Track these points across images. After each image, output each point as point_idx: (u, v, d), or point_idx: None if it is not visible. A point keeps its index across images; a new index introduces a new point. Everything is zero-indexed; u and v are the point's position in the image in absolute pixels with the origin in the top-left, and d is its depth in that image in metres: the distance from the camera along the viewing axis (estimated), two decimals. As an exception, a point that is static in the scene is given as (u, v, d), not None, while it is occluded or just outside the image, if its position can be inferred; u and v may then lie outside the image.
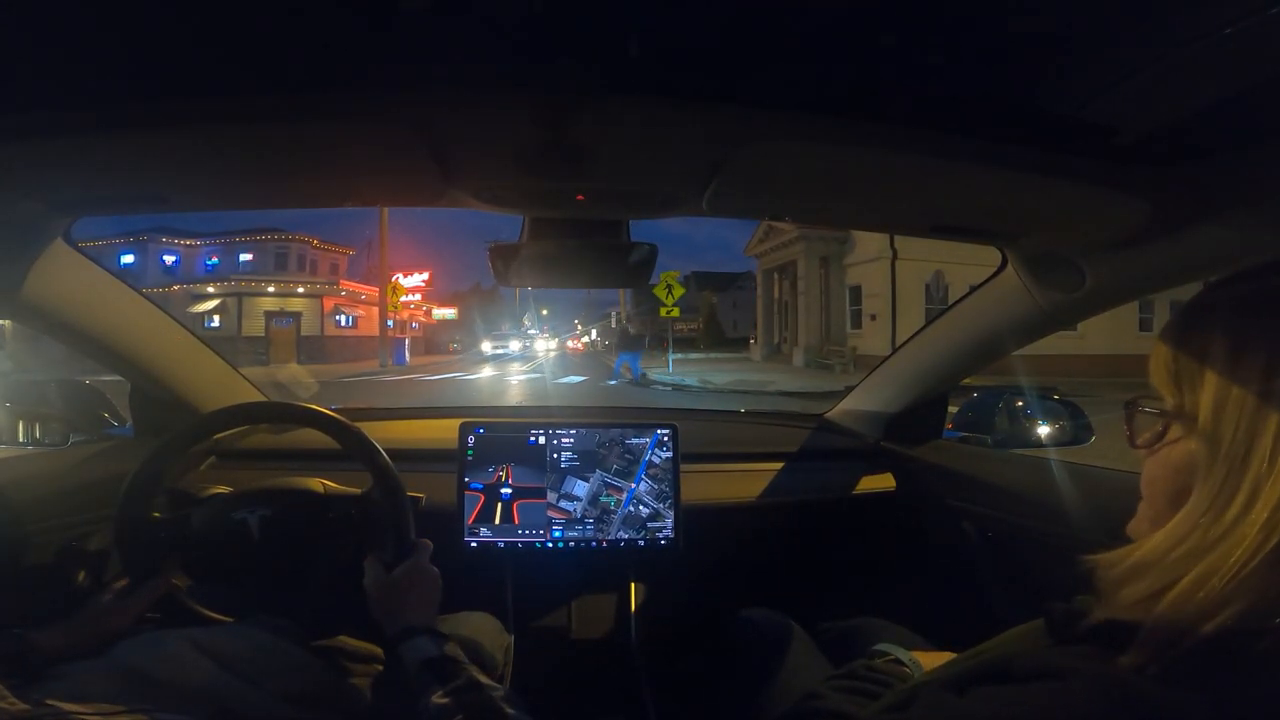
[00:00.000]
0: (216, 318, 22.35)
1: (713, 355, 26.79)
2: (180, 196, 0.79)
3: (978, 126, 0.60)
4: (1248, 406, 0.37)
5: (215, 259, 25.01)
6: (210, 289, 22.98)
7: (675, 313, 13.23)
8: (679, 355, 24.29)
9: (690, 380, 12.80)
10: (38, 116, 0.56)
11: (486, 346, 26.88)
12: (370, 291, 24.67)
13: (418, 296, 28.20)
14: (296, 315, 23.57)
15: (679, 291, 12.84)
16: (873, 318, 15.47)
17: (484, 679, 0.66)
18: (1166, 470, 0.43)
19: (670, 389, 12.14)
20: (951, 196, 0.73)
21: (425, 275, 28.05)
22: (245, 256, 24.90)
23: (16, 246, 0.82)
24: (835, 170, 0.68)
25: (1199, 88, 0.51)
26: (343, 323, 25.34)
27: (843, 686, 0.73)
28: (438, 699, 0.62)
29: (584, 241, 0.90)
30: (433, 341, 34.45)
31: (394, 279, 20.85)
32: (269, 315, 23.17)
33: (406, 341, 21.30)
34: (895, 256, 14.62)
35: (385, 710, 0.77)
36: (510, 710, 0.61)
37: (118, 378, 1.16)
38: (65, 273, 0.91)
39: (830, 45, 0.51)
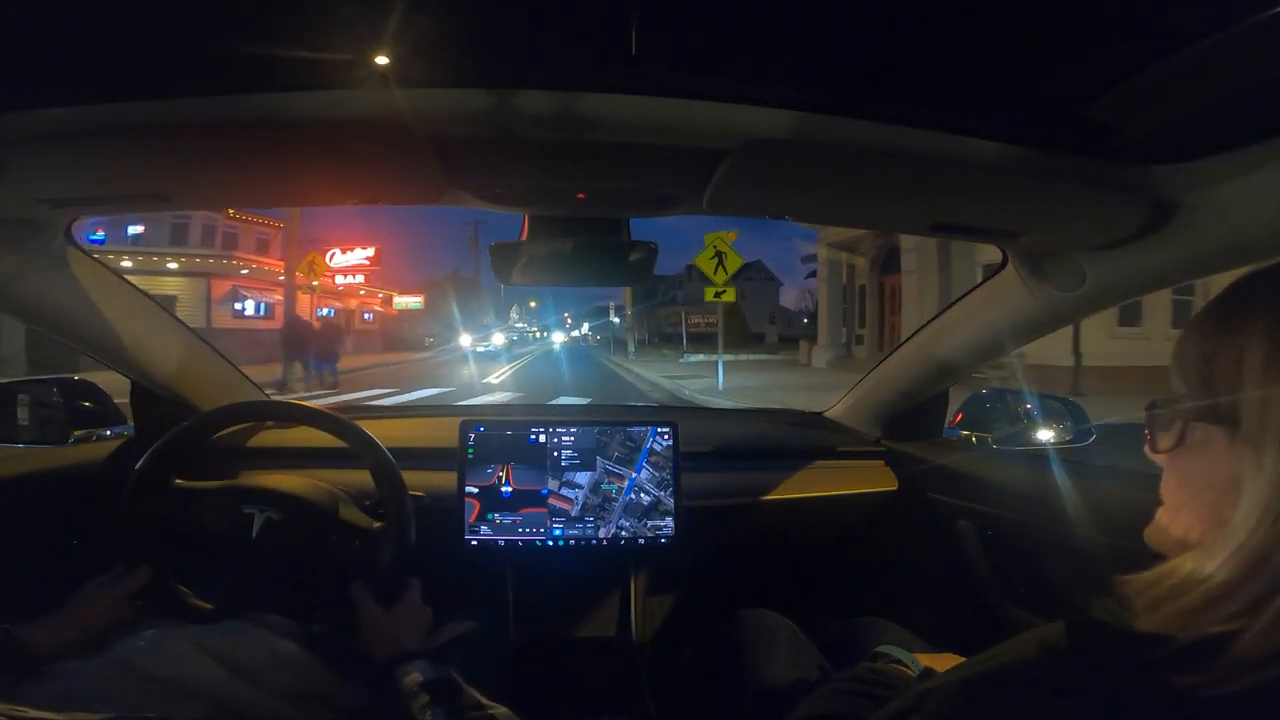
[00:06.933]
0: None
1: (743, 356, 20.57)
2: (180, 195, 0.79)
3: (978, 126, 0.60)
4: None
5: (101, 232, 17.23)
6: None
7: (730, 295, 8.31)
8: (699, 357, 18.52)
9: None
10: (38, 116, 0.56)
11: (466, 341, 21.94)
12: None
13: (359, 278, 21.06)
14: (168, 301, 14.66)
15: (736, 263, 8.05)
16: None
17: (484, 700, 0.66)
18: (1202, 476, 0.40)
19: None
20: (952, 196, 0.73)
21: (369, 251, 20.47)
22: (135, 229, 17.62)
23: (16, 245, 0.82)
24: (835, 169, 0.68)
25: (1199, 88, 0.51)
26: (246, 311, 18.20)
27: (846, 690, 0.73)
28: None
29: (584, 240, 0.91)
30: (393, 336, 26.81)
31: (314, 255, 14.66)
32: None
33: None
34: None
35: (385, 710, 0.77)
36: None
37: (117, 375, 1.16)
38: (66, 271, 0.91)
39: (829, 45, 0.51)
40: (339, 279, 20.16)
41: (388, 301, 26.80)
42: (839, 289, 15.70)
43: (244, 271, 18.33)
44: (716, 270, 7.95)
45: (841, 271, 15.46)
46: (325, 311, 20.97)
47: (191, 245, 17.80)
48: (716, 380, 9.87)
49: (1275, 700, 0.32)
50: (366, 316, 26.57)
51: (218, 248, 18.43)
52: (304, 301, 15.72)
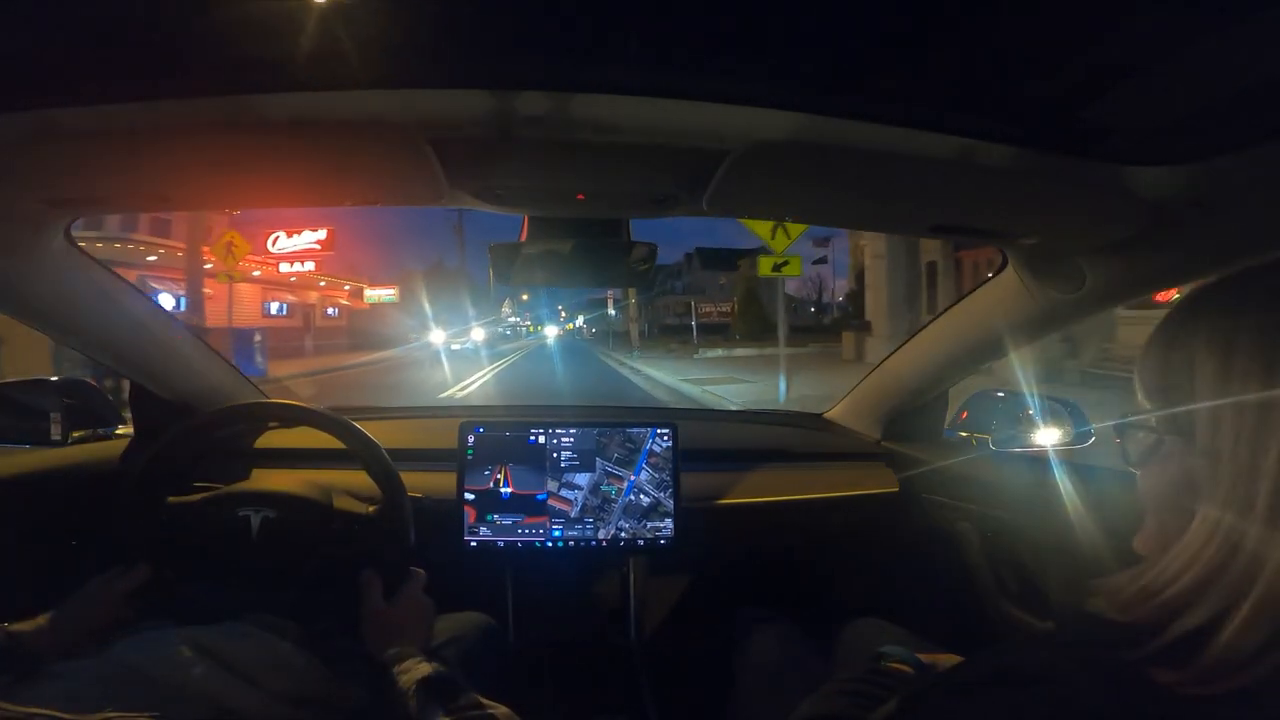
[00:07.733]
0: None
1: (767, 350, 15.22)
2: (180, 196, 0.79)
3: (977, 128, 0.60)
4: (1247, 416, 0.35)
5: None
6: None
7: (795, 268, 6.38)
8: (717, 353, 15.98)
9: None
10: (38, 116, 0.56)
11: (438, 339, 18.29)
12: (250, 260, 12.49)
13: (309, 265, 16.61)
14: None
15: (799, 226, 5.78)
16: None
17: (485, 700, 0.66)
18: (1167, 487, 0.41)
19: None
20: (952, 196, 0.73)
21: (321, 234, 15.75)
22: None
23: (16, 245, 0.82)
24: (835, 170, 0.68)
25: (1199, 88, 0.51)
26: (163, 306, 10.81)
27: (848, 690, 0.73)
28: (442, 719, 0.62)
29: (584, 241, 0.91)
30: (367, 333, 23.35)
31: (232, 234, 10.21)
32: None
33: (259, 337, 12.59)
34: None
35: (385, 710, 0.77)
36: None
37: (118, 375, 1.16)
38: (66, 271, 0.91)
39: (829, 46, 0.51)
40: (284, 266, 16.33)
41: (359, 295, 22.87)
42: (900, 268, 12.64)
43: (151, 259, 14.96)
44: (775, 234, 5.87)
45: (903, 248, 12.57)
46: (277, 307, 18.84)
47: (109, 230, 14.38)
48: (777, 388, 6.91)
49: (1255, 701, 0.32)
50: (331, 312, 23.57)
51: (143, 234, 15.38)
52: (246, 294, 12.63)
